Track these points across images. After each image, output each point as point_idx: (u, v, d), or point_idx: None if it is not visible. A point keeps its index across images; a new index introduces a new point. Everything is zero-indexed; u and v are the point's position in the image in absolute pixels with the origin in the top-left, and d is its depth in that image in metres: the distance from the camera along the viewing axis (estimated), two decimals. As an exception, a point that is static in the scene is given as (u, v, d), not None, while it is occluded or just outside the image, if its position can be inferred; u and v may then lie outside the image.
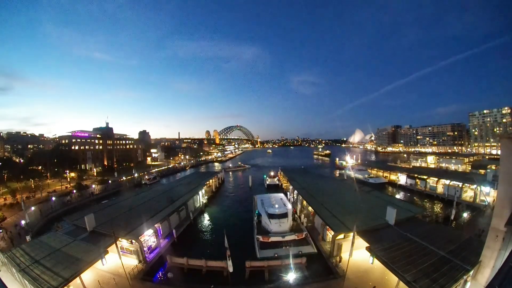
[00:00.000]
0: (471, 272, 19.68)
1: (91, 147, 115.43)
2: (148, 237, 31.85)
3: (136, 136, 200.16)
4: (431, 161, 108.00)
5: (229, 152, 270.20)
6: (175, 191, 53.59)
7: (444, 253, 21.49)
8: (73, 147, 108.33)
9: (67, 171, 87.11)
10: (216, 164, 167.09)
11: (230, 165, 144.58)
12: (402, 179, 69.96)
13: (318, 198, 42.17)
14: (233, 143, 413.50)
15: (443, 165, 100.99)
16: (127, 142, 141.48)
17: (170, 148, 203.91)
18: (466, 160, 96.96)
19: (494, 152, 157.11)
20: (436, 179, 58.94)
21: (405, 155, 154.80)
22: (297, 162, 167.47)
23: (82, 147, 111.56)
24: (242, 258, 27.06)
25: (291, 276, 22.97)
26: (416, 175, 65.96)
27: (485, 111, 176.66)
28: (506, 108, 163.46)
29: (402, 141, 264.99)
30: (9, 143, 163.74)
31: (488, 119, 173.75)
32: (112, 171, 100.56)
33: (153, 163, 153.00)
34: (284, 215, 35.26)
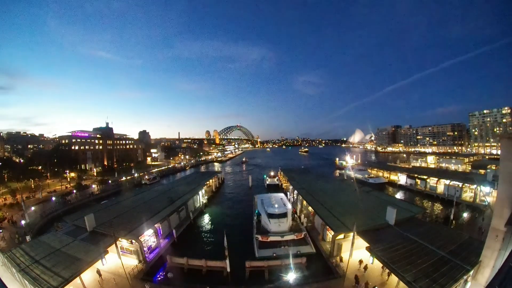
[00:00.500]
0: (471, 272, 19.68)
1: (91, 147, 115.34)
2: (148, 237, 31.86)
3: (136, 136, 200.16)
4: (431, 161, 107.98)
5: (229, 152, 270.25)
6: (175, 191, 53.56)
7: (444, 253, 21.49)
8: (73, 147, 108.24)
9: (67, 171, 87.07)
10: (216, 164, 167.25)
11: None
12: (402, 179, 69.95)
13: (318, 198, 42.15)
14: (233, 143, 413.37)
15: (443, 165, 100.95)
16: (127, 142, 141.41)
17: (170, 148, 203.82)
18: (466, 160, 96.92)
19: (494, 152, 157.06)
20: (436, 179, 58.92)
21: (404, 155, 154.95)
22: (288, 157, 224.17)
23: (82, 147, 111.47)
24: (242, 258, 27.10)
25: (291, 276, 22.97)
26: (416, 175, 65.95)
27: (485, 111, 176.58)
28: (506, 108, 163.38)
29: (402, 141, 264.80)
30: (9, 143, 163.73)
31: (488, 119, 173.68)
32: (112, 171, 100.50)
33: (153, 163, 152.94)
34: (284, 215, 35.26)
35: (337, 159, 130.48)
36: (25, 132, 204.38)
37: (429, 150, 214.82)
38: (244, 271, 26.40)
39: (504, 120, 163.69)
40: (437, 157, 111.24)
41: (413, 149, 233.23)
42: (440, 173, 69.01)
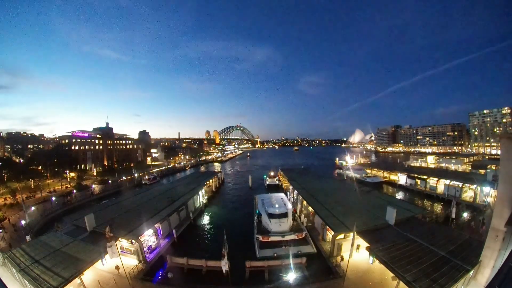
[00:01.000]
0: (471, 272, 19.68)
1: (91, 147, 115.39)
2: (148, 237, 31.84)
3: (136, 136, 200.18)
4: (431, 161, 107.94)
5: (229, 152, 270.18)
6: (175, 191, 53.56)
7: (444, 253, 21.48)
8: (73, 147, 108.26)
9: (67, 171, 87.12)
10: (216, 164, 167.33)
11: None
12: (402, 179, 69.95)
13: (318, 198, 42.16)
14: (233, 143, 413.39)
15: (443, 165, 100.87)
16: (127, 142, 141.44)
17: (170, 148, 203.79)
18: (466, 160, 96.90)
19: (494, 152, 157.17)
20: (436, 179, 58.91)
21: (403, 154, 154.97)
22: (282, 156, 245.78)
23: (82, 147, 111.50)
24: (242, 258, 27.10)
25: (291, 276, 22.95)
26: (416, 175, 65.96)
27: (485, 111, 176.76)
28: (506, 108, 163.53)
29: (402, 141, 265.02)
30: (9, 143, 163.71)
31: (488, 119, 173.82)
32: (112, 171, 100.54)
33: (153, 163, 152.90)
34: (284, 215, 35.27)
35: (337, 159, 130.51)
36: (25, 132, 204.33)
37: (429, 150, 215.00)
38: (244, 271, 26.40)
39: (504, 120, 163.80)
40: (437, 157, 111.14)
41: (413, 149, 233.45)
42: (440, 173, 69.00)
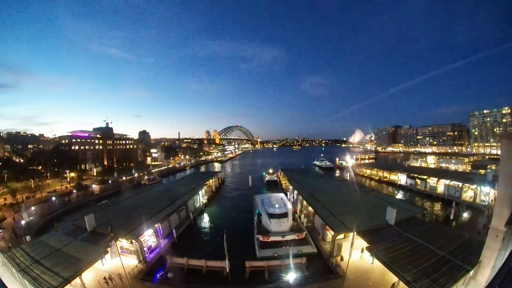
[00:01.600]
0: (471, 272, 19.68)
1: (91, 147, 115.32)
2: (148, 237, 31.85)
3: (136, 136, 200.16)
4: (431, 161, 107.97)
5: (229, 152, 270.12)
6: (175, 191, 53.55)
7: (444, 253, 21.49)
8: (73, 147, 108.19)
9: (67, 171, 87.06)
10: (216, 164, 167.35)
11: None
12: (402, 179, 69.95)
13: (318, 198, 42.15)
14: (233, 143, 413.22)
15: (443, 165, 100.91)
16: (127, 142, 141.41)
17: (170, 148, 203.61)
18: (466, 160, 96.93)
19: (494, 152, 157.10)
20: (436, 179, 58.91)
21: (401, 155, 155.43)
22: (280, 155, 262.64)
23: (82, 147, 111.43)
24: (242, 258, 27.09)
25: (291, 276, 22.95)
26: (416, 175, 65.95)
27: (485, 111, 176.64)
28: (506, 108, 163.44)
29: (402, 141, 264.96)
30: (9, 143, 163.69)
31: (488, 119, 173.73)
32: (112, 171, 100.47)
33: (153, 163, 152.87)
34: (284, 215, 35.27)
35: (337, 159, 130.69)
36: (25, 132, 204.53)
37: (429, 150, 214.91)
38: (244, 271, 26.40)
39: (504, 120, 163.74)
40: (437, 157, 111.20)
41: (413, 149, 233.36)
42: (440, 173, 69.00)
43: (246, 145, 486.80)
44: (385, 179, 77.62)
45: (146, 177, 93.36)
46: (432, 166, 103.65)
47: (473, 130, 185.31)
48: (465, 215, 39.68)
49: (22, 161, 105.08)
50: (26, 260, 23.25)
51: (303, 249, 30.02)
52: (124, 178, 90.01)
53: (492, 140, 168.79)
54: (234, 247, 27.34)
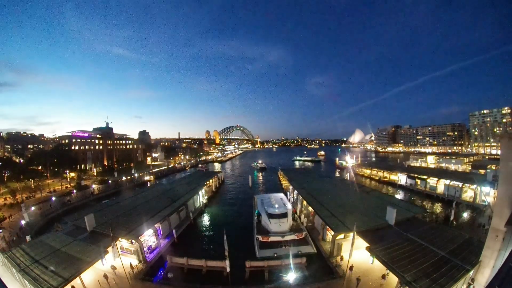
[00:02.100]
0: (471, 272, 19.68)
1: (91, 147, 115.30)
2: (148, 237, 31.84)
3: (136, 136, 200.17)
4: (431, 161, 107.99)
5: (229, 152, 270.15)
6: (175, 191, 53.54)
7: (444, 253, 21.49)
8: (73, 147, 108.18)
9: (67, 171, 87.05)
10: (216, 164, 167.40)
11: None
12: (402, 179, 69.95)
13: (318, 198, 42.15)
14: (233, 143, 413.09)
15: (443, 165, 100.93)
16: (127, 142, 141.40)
17: (170, 148, 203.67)
18: (466, 160, 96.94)
19: (494, 152, 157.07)
20: (436, 179, 58.91)
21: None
22: (280, 154, 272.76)
23: (82, 147, 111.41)
24: (242, 258, 27.08)
25: (291, 276, 22.95)
26: (416, 175, 65.94)
27: (485, 111, 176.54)
28: (506, 108, 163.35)
29: (402, 141, 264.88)
30: (9, 143, 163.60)
31: (488, 119, 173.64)
32: (112, 171, 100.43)
33: (153, 163, 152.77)
34: (284, 215, 35.25)
35: (337, 159, 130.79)
36: (25, 132, 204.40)
37: (429, 150, 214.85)
38: (244, 271, 26.40)
39: (504, 120, 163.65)
40: (437, 157, 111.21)
41: (413, 149, 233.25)
42: (440, 173, 69.01)
43: (246, 145, 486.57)
44: (385, 179, 77.63)
45: (200, 165, 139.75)
46: (432, 166, 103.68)
47: (473, 130, 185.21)
48: (465, 215, 39.62)
49: (22, 161, 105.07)
50: (26, 260, 23.25)
51: (303, 249, 30.00)
52: (124, 178, 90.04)
53: (492, 140, 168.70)
54: (234, 247, 27.35)
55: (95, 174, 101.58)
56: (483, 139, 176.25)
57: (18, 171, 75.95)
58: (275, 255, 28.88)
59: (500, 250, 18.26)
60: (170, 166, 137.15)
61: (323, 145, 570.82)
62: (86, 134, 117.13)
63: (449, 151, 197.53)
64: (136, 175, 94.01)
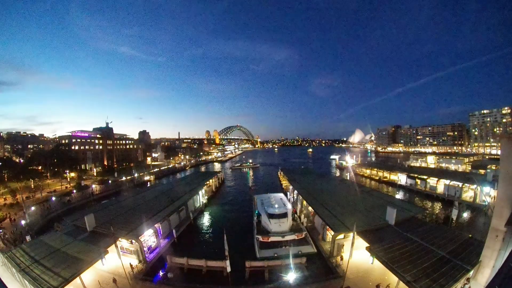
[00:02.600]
0: (471, 272, 19.68)
1: (91, 147, 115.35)
2: (148, 237, 31.86)
3: (136, 136, 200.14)
4: (431, 161, 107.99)
5: (229, 152, 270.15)
6: (175, 191, 53.55)
7: (444, 253, 21.47)
8: (73, 147, 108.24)
9: (67, 171, 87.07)
10: (216, 164, 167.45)
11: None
12: (402, 179, 69.95)
13: (318, 198, 42.14)
14: (233, 143, 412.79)
15: (443, 165, 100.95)
16: (127, 142, 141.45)
17: (170, 148, 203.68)
18: (466, 160, 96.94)
19: (494, 152, 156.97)
20: (436, 179, 58.90)
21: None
22: (279, 154, 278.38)
23: (82, 147, 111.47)
24: (242, 258, 27.09)
25: (291, 276, 22.94)
26: (416, 175, 65.94)
27: (485, 111, 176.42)
28: (506, 108, 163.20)
29: (402, 141, 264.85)
30: (9, 143, 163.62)
31: (488, 119, 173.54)
32: (112, 171, 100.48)
33: (153, 163, 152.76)
34: (284, 215, 35.24)
35: (337, 159, 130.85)
36: (25, 132, 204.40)
37: (429, 150, 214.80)
38: (244, 271, 26.39)
39: (504, 120, 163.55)
40: (437, 157, 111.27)
41: (413, 149, 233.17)
42: (440, 173, 69.01)
43: (246, 145, 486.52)
44: (385, 179, 77.64)
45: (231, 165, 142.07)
46: (432, 166, 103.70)
47: (473, 130, 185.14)
48: (465, 215, 39.69)
49: (22, 161, 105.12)
50: (26, 260, 23.23)
51: (303, 249, 30.02)
52: (124, 178, 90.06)
53: (492, 140, 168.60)
54: (234, 247, 27.33)
55: (95, 174, 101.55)
56: (483, 139, 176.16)
57: (18, 171, 75.98)
58: (275, 255, 28.88)
59: (500, 250, 18.26)
60: (170, 166, 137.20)
61: (323, 145, 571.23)
62: (86, 134, 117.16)
63: (449, 151, 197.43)
64: (136, 175, 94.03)
